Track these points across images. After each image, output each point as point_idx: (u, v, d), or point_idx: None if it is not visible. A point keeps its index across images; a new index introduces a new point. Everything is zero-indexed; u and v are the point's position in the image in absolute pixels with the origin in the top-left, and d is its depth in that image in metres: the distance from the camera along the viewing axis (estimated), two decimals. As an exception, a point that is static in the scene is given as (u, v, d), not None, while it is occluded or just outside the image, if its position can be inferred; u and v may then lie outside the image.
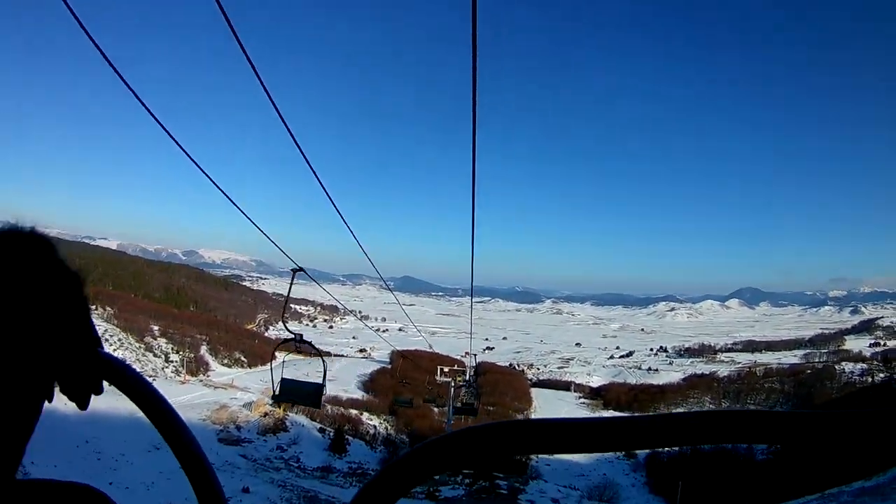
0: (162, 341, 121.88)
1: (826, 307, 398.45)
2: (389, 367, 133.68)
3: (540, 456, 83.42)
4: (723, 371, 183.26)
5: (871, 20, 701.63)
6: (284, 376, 18.29)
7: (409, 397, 73.06)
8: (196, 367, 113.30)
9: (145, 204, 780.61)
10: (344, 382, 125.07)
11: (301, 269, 13.01)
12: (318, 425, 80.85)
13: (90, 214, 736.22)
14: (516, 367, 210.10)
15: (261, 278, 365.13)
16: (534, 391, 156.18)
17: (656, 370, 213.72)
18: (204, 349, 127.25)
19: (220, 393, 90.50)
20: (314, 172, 7.99)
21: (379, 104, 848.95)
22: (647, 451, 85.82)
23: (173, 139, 6.68)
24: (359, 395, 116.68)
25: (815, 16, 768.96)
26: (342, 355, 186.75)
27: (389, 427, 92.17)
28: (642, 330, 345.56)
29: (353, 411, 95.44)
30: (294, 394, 18.20)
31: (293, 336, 15.28)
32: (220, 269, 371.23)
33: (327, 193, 8.91)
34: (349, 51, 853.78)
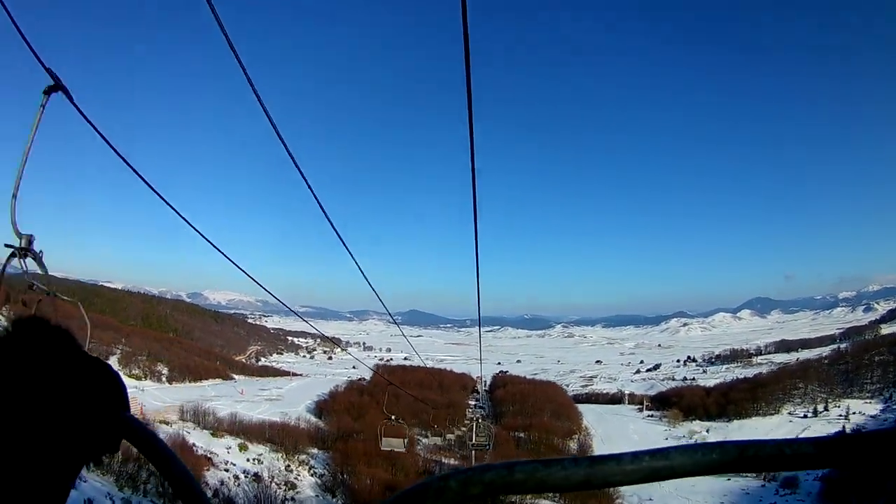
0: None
1: (838, 308, 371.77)
2: (366, 383, 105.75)
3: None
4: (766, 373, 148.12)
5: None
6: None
7: (402, 441, 32.64)
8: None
9: (152, 250, 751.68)
10: (291, 403, 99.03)
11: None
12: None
13: (98, 260, 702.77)
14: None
15: (264, 316, 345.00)
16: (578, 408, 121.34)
17: (693, 379, 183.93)
18: (114, 359, 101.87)
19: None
20: (322, 208, 7.82)
21: (378, 134, 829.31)
22: None
23: (173, 207, 6.26)
24: (307, 420, 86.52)
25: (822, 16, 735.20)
26: (300, 375, 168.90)
27: (300, 478, 57.33)
28: (659, 346, 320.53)
29: (208, 444, 57.52)
30: None
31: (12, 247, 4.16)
32: (225, 310, 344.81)
33: (333, 227, 8.51)
34: (349, 76, 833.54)
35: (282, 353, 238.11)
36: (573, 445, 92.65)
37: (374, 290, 11.59)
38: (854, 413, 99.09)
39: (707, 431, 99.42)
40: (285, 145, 5.97)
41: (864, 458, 0.57)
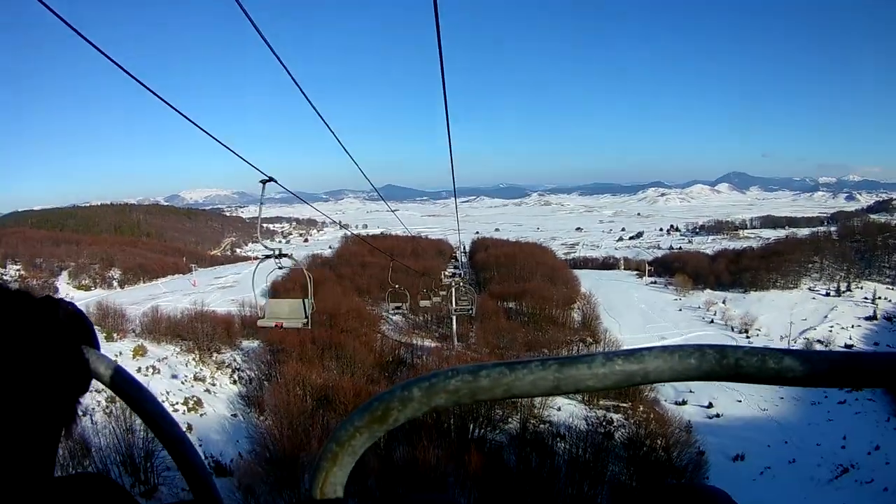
0: (15, 268, 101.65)
1: (819, 192, 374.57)
2: (330, 256, 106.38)
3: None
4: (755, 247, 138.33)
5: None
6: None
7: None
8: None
9: (126, 160, 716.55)
10: (246, 288, 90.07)
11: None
12: None
13: (75, 183, 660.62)
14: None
15: (240, 207, 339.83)
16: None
17: (679, 248, 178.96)
18: (64, 274, 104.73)
19: None
20: (294, 80, 6.94)
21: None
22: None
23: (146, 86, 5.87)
24: (253, 305, 76.08)
25: None
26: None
27: (214, 389, 47.11)
28: (638, 214, 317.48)
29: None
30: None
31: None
32: (202, 207, 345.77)
33: (307, 98, 7.58)
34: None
35: (257, 242, 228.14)
36: (576, 316, 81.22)
37: (352, 158, 11.09)
38: (880, 298, 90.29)
39: (724, 302, 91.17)
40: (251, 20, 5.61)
41: (857, 381, 0.55)
